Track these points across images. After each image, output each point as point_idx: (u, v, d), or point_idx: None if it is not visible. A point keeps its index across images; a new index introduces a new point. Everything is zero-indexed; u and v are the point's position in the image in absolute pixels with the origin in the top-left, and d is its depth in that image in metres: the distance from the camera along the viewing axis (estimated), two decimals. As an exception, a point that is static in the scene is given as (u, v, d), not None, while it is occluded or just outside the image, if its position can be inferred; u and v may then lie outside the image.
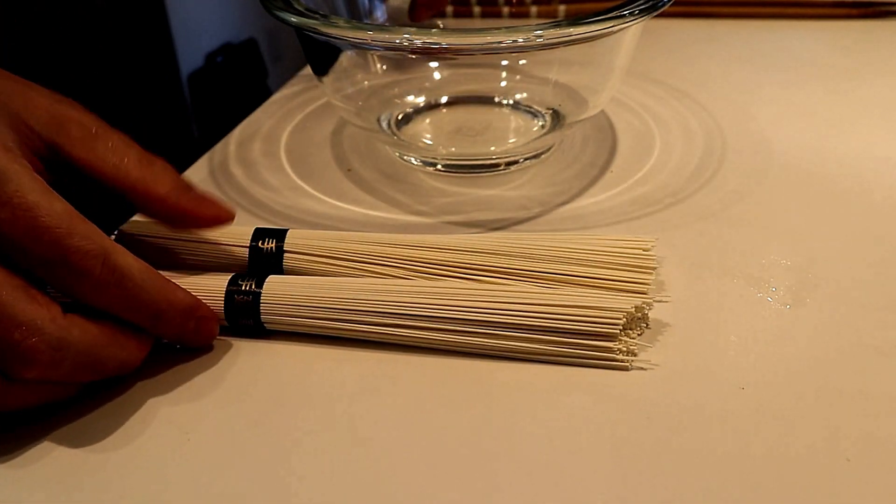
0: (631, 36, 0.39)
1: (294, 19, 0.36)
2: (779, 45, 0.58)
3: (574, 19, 0.34)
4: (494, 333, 0.28)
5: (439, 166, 0.42)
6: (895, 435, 0.25)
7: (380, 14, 0.52)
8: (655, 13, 0.35)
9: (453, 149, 0.44)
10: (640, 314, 0.29)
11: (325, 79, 0.42)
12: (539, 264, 0.31)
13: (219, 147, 0.46)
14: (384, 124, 0.44)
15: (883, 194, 0.38)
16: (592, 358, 0.28)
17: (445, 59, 0.47)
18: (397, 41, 0.34)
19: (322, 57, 0.42)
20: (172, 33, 0.67)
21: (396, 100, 0.46)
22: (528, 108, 0.46)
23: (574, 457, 0.25)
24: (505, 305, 0.28)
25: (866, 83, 0.51)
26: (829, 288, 0.32)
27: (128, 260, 0.26)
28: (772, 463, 0.24)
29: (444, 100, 0.47)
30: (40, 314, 0.24)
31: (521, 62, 0.47)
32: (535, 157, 0.42)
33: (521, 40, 0.33)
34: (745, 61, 0.55)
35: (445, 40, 0.34)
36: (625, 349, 0.28)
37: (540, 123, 0.44)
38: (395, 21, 0.53)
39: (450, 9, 0.62)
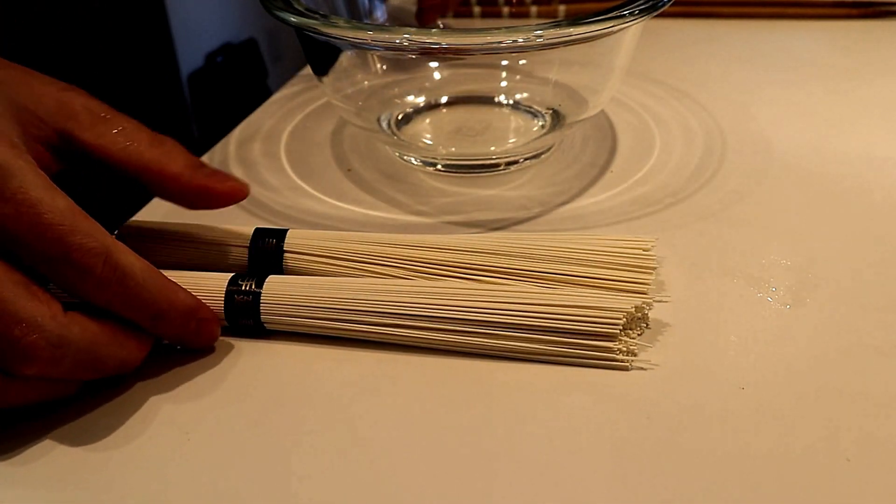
0: (631, 36, 0.39)
1: (294, 19, 0.36)
2: (779, 45, 0.58)
3: (574, 19, 0.34)
4: (494, 333, 0.28)
5: (439, 166, 0.42)
6: (895, 435, 0.25)
7: (380, 14, 0.52)
8: (655, 13, 0.35)
9: (453, 149, 0.44)
10: (640, 314, 0.29)
11: (325, 79, 0.42)
12: (539, 264, 0.31)
13: (219, 147, 0.46)
14: (384, 124, 0.44)
15: (883, 194, 0.38)
16: (592, 358, 0.28)
17: (445, 59, 0.47)
18: (397, 41, 0.34)
19: (322, 57, 0.42)
20: (172, 33, 0.67)
21: (396, 100, 0.46)
22: (528, 108, 0.46)
23: (574, 457, 0.25)
24: (505, 305, 0.28)
25: (866, 83, 0.51)
26: (829, 288, 0.32)
27: (130, 258, 0.26)
28: (772, 463, 0.24)
29: (444, 100, 0.47)
30: (41, 311, 0.24)
31: (521, 62, 0.47)
32: (535, 157, 0.42)
33: (521, 40, 0.33)
34: (745, 61, 0.55)
35: (445, 40, 0.34)
36: (625, 349, 0.28)
37: (540, 123, 0.44)
38: (395, 21, 0.53)
39: (449, 9, 0.62)
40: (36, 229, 0.24)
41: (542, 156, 0.43)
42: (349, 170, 0.43)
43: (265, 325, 0.30)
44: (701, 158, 0.43)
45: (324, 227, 0.38)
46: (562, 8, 0.60)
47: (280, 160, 0.44)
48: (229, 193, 0.30)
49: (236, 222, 0.34)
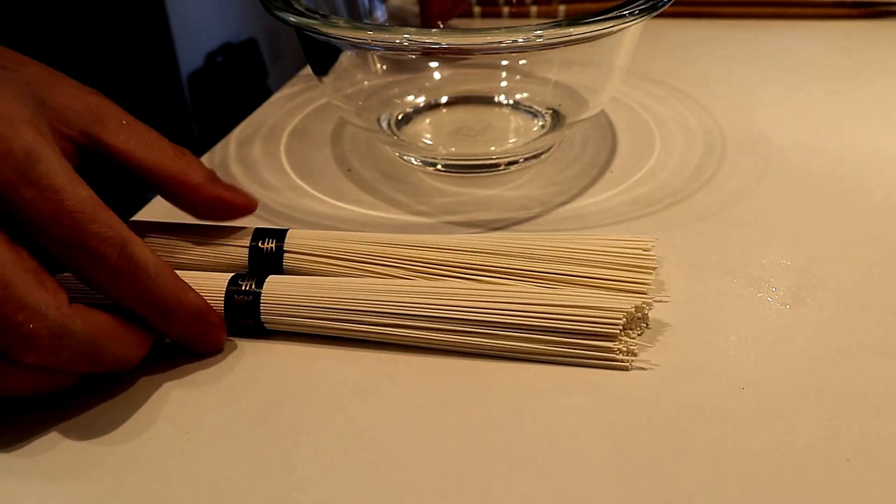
0: (631, 36, 0.39)
1: (294, 19, 0.36)
2: (779, 45, 0.58)
3: (574, 19, 0.34)
4: (494, 333, 0.28)
5: (439, 166, 0.42)
6: (895, 435, 0.25)
7: (380, 14, 0.52)
8: (655, 13, 0.35)
9: (453, 149, 0.44)
10: (640, 314, 0.29)
11: (325, 79, 0.42)
12: (539, 264, 0.31)
13: (219, 147, 0.46)
14: (384, 124, 0.44)
15: (883, 194, 0.38)
16: (592, 358, 0.28)
17: (445, 59, 0.47)
18: (397, 41, 0.34)
19: (322, 57, 0.42)
20: (172, 33, 0.67)
21: (396, 100, 0.46)
22: (528, 108, 0.46)
23: (574, 457, 0.25)
24: (505, 305, 0.28)
25: (866, 83, 0.51)
26: (829, 288, 0.32)
27: (145, 252, 0.26)
28: (772, 463, 0.24)
29: (444, 100, 0.47)
30: (46, 300, 0.24)
31: (521, 62, 0.47)
32: (535, 157, 0.42)
33: (521, 40, 0.33)
34: (745, 61, 0.55)
35: (445, 40, 0.34)
36: (625, 349, 0.28)
37: (540, 123, 0.44)
38: (396, 21, 0.53)
39: (450, 8, 0.62)
40: (57, 215, 0.24)
41: (542, 156, 0.43)
42: (349, 170, 0.43)
43: (265, 325, 0.30)
44: (701, 158, 0.43)
45: (324, 227, 0.38)
46: (562, 8, 0.60)
47: (280, 160, 0.44)
48: (245, 206, 0.31)
49: (236, 222, 0.34)
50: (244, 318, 0.30)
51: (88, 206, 0.25)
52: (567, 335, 0.28)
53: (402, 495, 0.24)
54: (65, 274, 0.26)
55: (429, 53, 0.44)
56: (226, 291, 0.30)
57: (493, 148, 0.43)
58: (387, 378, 0.28)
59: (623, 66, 0.40)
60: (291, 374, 0.29)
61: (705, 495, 0.23)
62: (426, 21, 0.54)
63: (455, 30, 0.56)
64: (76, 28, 0.57)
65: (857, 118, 0.46)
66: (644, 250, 0.32)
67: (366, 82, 0.45)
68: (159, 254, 0.31)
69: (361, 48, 0.42)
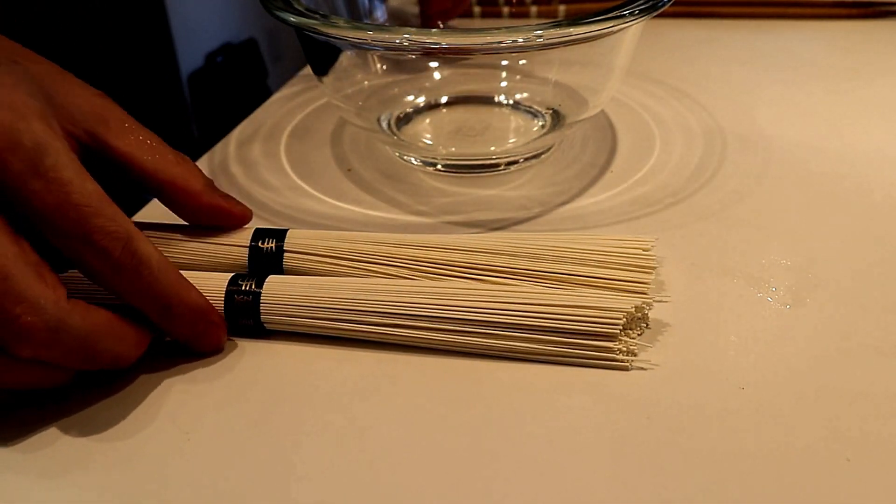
0: (631, 36, 0.39)
1: (294, 19, 0.36)
2: (779, 45, 0.58)
3: (574, 19, 0.34)
4: (494, 333, 0.28)
5: (439, 166, 0.42)
6: (895, 435, 0.25)
7: (380, 14, 0.52)
8: (655, 13, 0.35)
9: (453, 149, 0.44)
10: (640, 314, 0.29)
11: (325, 79, 0.42)
12: (539, 264, 0.31)
13: (219, 147, 0.46)
14: (384, 124, 0.44)
15: (883, 194, 0.38)
16: (592, 358, 0.28)
17: (445, 59, 0.47)
18: (397, 41, 0.34)
19: (322, 57, 0.42)
20: (172, 33, 0.67)
21: (396, 100, 0.46)
22: (528, 108, 0.46)
23: (574, 457, 0.25)
24: (505, 305, 0.28)
25: (866, 83, 0.51)
26: (829, 288, 0.32)
27: (149, 248, 0.26)
28: (772, 463, 0.24)
29: (444, 100, 0.47)
30: (45, 294, 0.24)
31: (521, 62, 0.47)
32: (535, 157, 0.42)
33: (521, 40, 0.33)
34: (745, 61, 0.55)
35: (445, 40, 0.34)
36: (625, 349, 0.28)
37: (540, 123, 0.44)
38: (396, 21, 0.53)
39: (450, 8, 0.62)
40: (62, 208, 0.24)
41: (542, 156, 0.43)
42: (349, 170, 0.43)
43: (265, 325, 0.30)
44: (701, 158, 0.43)
45: (324, 227, 0.38)
46: (562, 8, 0.60)
47: (280, 160, 0.44)
48: (241, 216, 0.32)
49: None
50: (244, 318, 0.30)
51: (94, 200, 0.25)
52: (567, 335, 0.28)
53: (402, 495, 0.24)
54: (67, 273, 0.26)
55: (429, 53, 0.44)
56: (226, 291, 0.30)
57: (493, 148, 0.43)
58: (387, 378, 0.28)
59: (623, 66, 0.40)
60: (291, 374, 0.29)
61: (705, 495, 0.23)
62: (426, 21, 0.54)
63: (455, 30, 0.56)
64: (76, 28, 0.57)
65: (857, 118, 0.46)
66: (644, 250, 0.32)
67: (366, 82, 0.45)
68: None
69: (361, 48, 0.42)
